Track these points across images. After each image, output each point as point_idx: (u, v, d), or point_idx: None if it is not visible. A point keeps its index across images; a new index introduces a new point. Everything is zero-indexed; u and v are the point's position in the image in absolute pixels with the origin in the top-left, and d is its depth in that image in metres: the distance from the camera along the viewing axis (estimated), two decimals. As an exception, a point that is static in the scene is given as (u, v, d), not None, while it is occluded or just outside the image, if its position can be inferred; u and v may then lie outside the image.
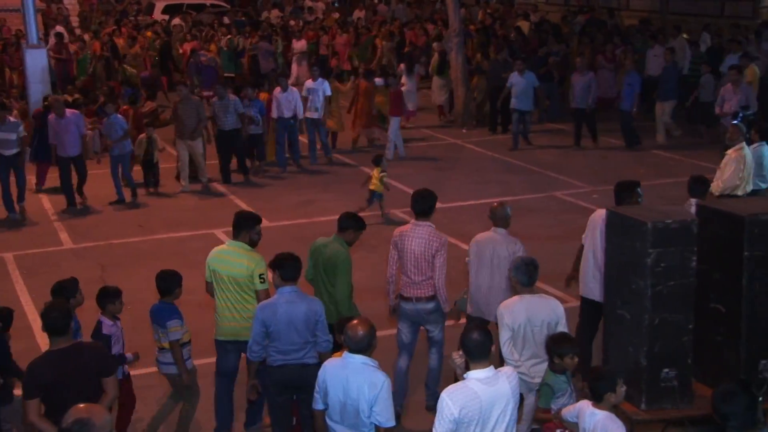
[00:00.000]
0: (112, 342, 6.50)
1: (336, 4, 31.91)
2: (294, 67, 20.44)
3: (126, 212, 13.24)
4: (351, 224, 7.10)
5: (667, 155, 15.32)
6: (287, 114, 14.68)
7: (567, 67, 18.37)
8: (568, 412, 5.29)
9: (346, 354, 5.27)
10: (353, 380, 5.15)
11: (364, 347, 5.19)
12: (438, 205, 12.75)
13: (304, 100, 15.00)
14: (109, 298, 6.60)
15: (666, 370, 5.61)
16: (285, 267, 6.23)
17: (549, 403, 5.55)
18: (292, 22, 26.30)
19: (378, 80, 16.66)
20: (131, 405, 6.92)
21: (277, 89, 14.84)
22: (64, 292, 6.46)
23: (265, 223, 12.34)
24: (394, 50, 21.43)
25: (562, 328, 5.98)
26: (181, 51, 22.03)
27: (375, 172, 12.71)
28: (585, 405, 5.16)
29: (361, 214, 7.66)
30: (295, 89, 15.08)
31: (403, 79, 17.22)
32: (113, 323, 6.60)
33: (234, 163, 14.58)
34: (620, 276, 5.81)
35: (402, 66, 18.22)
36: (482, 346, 4.88)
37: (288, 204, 13.36)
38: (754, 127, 10.72)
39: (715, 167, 10.25)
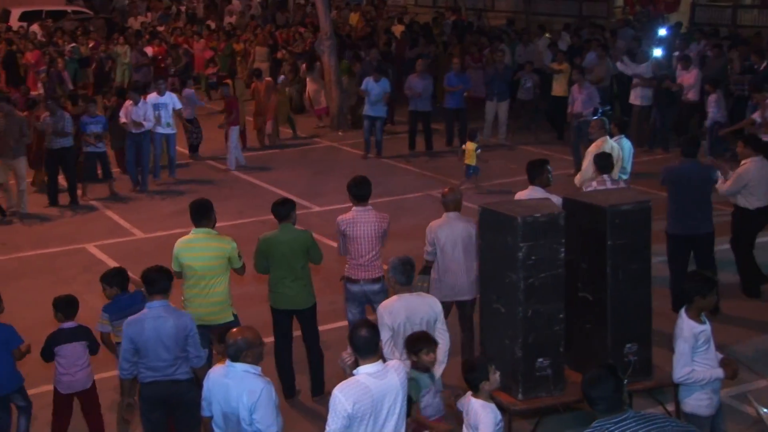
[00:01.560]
0: None
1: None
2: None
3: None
4: (289, 209, 7.35)
5: (535, 150, 15.79)
6: (136, 129, 13.86)
7: (438, 68, 18.70)
8: (459, 404, 5.43)
9: (228, 362, 5.22)
10: (234, 388, 5.11)
11: (243, 354, 5.14)
12: (316, 208, 12.97)
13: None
14: None
15: (540, 359, 5.80)
16: (152, 281, 6.12)
17: (418, 396, 5.64)
18: (161, 28, 25.73)
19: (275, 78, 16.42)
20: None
21: (128, 102, 13.98)
22: None
23: (139, 234, 12.24)
24: (268, 54, 21.23)
25: (441, 324, 6.08)
26: (23, 61, 21.13)
27: (470, 146, 12.90)
28: (467, 397, 5.29)
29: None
30: (147, 102, 14.17)
31: (308, 80, 17.25)
32: None
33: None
34: (494, 271, 5.96)
35: (304, 66, 18.32)
36: (370, 342, 4.95)
37: (163, 214, 13.05)
38: (613, 121, 11.19)
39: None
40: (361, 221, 7.44)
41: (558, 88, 16.43)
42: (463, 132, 15.79)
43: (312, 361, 7.54)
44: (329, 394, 5.04)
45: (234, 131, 15.14)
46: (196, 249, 6.94)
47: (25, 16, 27.66)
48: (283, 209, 7.35)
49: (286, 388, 7.46)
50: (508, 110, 16.59)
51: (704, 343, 5.55)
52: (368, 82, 15.74)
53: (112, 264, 10.96)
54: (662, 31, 19.36)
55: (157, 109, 14.18)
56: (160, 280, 6.12)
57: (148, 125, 13.93)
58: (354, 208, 7.52)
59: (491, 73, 16.56)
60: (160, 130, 14.27)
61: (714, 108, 14.08)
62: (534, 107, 17.39)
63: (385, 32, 22.70)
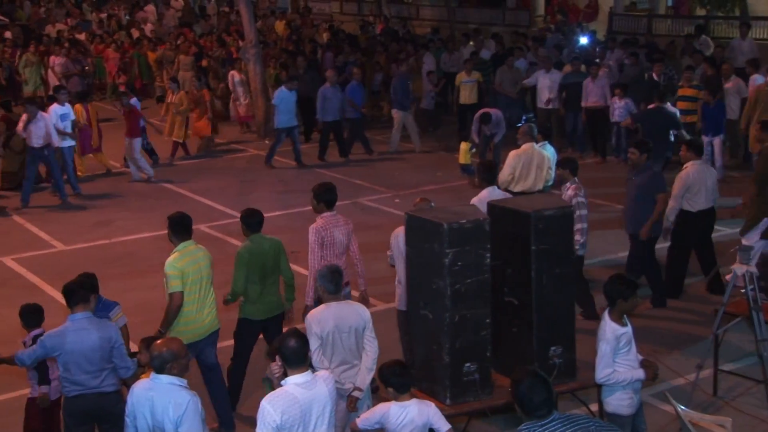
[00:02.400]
0: None
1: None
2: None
3: None
4: (256, 220, 7.32)
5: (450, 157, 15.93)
6: (37, 143, 13.20)
7: (364, 76, 18.73)
8: (366, 420, 5.39)
9: (152, 375, 5.12)
10: (158, 401, 5.01)
11: (169, 366, 5.05)
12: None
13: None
14: None
15: (467, 364, 5.83)
16: (72, 292, 6.01)
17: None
18: (81, 36, 25.17)
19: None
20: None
21: (25, 117, 13.23)
22: None
23: (60, 246, 11.92)
24: (193, 63, 20.94)
25: (369, 332, 6.06)
26: None
27: (463, 146, 13.13)
28: (388, 405, 5.28)
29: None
30: (46, 115, 13.52)
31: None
32: None
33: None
34: (421, 278, 5.99)
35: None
36: (299, 352, 4.91)
37: (84, 225, 12.73)
38: (540, 130, 11.39)
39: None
40: (337, 225, 7.47)
41: (465, 96, 16.72)
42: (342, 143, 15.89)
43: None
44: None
45: (135, 143, 14.61)
46: (197, 260, 6.88)
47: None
48: (256, 219, 7.31)
49: (235, 402, 7.36)
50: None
51: (626, 345, 5.68)
52: (281, 92, 15.49)
53: (32, 278, 10.67)
54: (583, 40, 19.83)
55: (60, 120, 13.70)
56: (80, 290, 6.00)
57: (54, 138, 13.38)
58: (324, 214, 7.47)
59: (395, 84, 16.63)
60: (65, 143, 13.83)
61: (620, 112, 14.53)
62: (435, 115, 17.64)
63: (310, 41, 22.68)
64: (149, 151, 16.09)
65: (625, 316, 5.74)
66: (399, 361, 5.53)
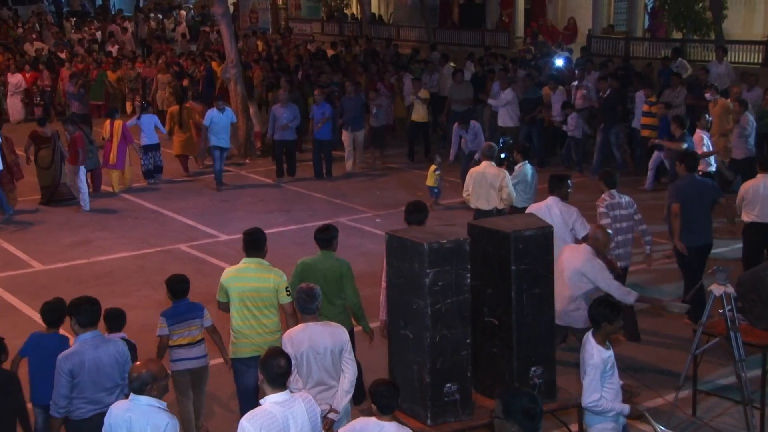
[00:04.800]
0: None
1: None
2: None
3: None
4: (332, 235, 7.29)
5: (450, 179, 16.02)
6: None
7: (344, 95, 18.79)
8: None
9: (132, 396, 5.08)
10: (136, 422, 4.98)
11: (148, 388, 5.01)
12: (223, 237, 12.80)
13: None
14: None
15: (448, 384, 5.82)
16: (82, 313, 6.00)
17: None
18: (62, 54, 25.11)
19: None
20: None
21: None
22: None
23: (38, 266, 11.84)
24: (172, 82, 20.93)
25: (347, 354, 6.03)
26: None
27: (431, 168, 13.63)
28: (367, 420, 5.26)
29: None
30: None
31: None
32: None
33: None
34: (401, 297, 5.98)
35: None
36: (285, 374, 4.91)
37: (62, 245, 12.63)
38: (516, 148, 11.46)
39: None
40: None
41: (416, 114, 17.13)
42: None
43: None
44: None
45: (81, 171, 14.12)
46: (245, 279, 6.83)
47: None
48: (325, 236, 7.27)
49: None
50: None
51: (610, 368, 5.68)
52: (212, 113, 15.51)
53: (10, 297, 10.56)
54: (559, 62, 20.03)
55: None
56: (89, 311, 6.01)
57: None
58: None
59: (345, 104, 16.70)
60: None
61: (573, 126, 15.37)
62: (384, 133, 17.83)
63: (297, 58, 22.80)
64: (158, 168, 16.10)
65: (607, 340, 5.74)
66: (390, 382, 5.47)
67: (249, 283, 6.82)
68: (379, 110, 17.19)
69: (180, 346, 7.02)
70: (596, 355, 5.60)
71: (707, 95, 14.56)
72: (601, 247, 7.58)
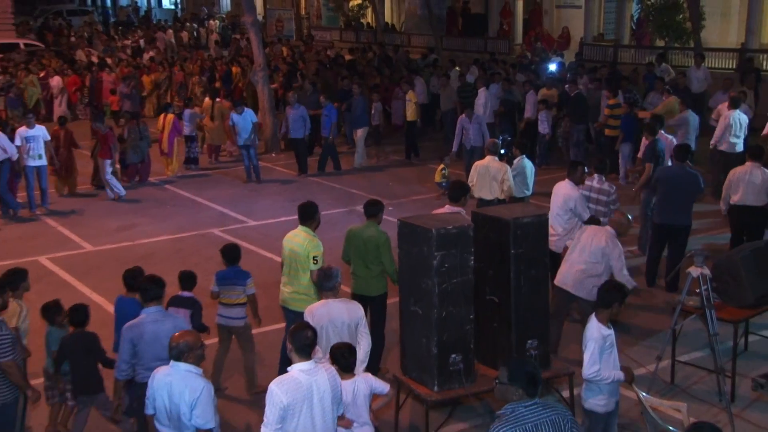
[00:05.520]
0: None
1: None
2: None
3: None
4: (378, 209, 7.49)
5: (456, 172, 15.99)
6: None
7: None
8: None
9: (172, 362, 5.11)
10: (176, 386, 5.02)
11: (185, 356, 5.05)
12: (251, 222, 12.81)
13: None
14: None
15: (453, 355, 5.83)
16: (146, 290, 6.07)
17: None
18: (109, 60, 25.16)
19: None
20: None
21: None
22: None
23: (88, 247, 11.88)
24: (206, 84, 20.96)
25: (363, 327, 6.04)
26: None
27: (438, 168, 13.77)
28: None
29: None
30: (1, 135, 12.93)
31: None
32: None
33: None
34: (412, 277, 5.98)
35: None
36: (311, 344, 4.92)
37: (109, 229, 12.68)
38: (514, 144, 11.40)
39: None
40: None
41: (408, 114, 17.01)
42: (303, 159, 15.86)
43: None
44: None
45: (107, 164, 14.06)
46: (292, 241, 7.19)
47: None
48: (372, 209, 7.50)
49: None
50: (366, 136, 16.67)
51: (610, 346, 5.64)
52: (233, 116, 15.37)
53: (64, 275, 10.63)
54: (552, 66, 19.91)
55: (28, 142, 13.26)
56: (153, 288, 6.08)
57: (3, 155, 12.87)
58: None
59: (351, 104, 16.58)
60: (30, 162, 13.35)
61: (543, 124, 15.42)
62: (380, 132, 17.77)
63: (319, 63, 22.75)
64: (193, 160, 16.27)
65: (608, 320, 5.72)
66: (348, 345, 5.47)
67: (292, 245, 7.16)
68: (377, 111, 17.12)
69: (223, 304, 7.32)
70: (597, 331, 5.58)
71: (663, 96, 14.51)
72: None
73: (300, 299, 7.04)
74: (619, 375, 5.70)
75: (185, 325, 6.13)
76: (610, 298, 5.66)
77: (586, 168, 9.15)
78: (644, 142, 11.34)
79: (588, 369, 5.59)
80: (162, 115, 15.88)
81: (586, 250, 7.52)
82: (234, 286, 7.27)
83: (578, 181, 8.85)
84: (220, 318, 7.40)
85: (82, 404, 6.65)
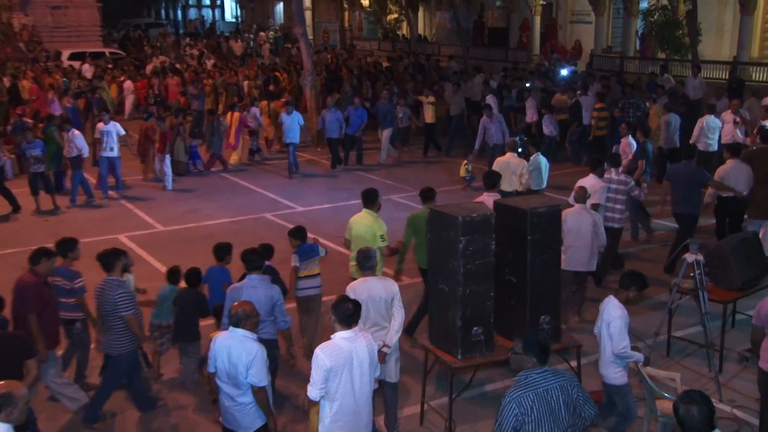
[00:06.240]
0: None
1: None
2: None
3: (39, 222, 12.35)
4: (432, 194, 7.70)
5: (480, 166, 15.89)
6: (68, 154, 13.02)
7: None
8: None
9: (231, 328, 5.17)
10: (234, 349, 5.08)
11: (243, 323, 5.11)
12: (299, 208, 12.88)
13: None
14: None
15: (475, 328, 5.80)
16: (248, 260, 6.24)
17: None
18: (178, 65, 25.40)
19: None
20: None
21: (74, 132, 13.03)
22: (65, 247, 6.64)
23: (160, 227, 12.04)
24: (261, 87, 21.07)
25: (397, 302, 6.01)
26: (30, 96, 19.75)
27: (462, 163, 14.03)
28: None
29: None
30: (77, 133, 13.06)
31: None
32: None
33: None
34: (440, 259, 5.97)
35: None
36: (353, 315, 4.90)
37: (176, 213, 12.84)
38: (531, 143, 11.29)
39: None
40: None
41: (428, 116, 16.68)
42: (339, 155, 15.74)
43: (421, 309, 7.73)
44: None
45: (166, 159, 14.10)
46: (360, 223, 7.30)
47: (73, 56, 27.51)
48: (428, 194, 7.72)
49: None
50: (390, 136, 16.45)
51: (625, 326, 5.60)
52: (282, 116, 15.25)
53: (139, 251, 10.81)
54: (563, 72, 19.64)
55: (103, 136, 13.48)
56: (254, 260, 6.23)
57: (83, 152, 13.06)
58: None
59: (379, 108, 16.43)
60: (104, 153, 13.55)
61: (548, 126, 15.10)
62: (408, 132, 17.53)
63: (356, 70, 22.68)
64: (255, 151, 16.49)
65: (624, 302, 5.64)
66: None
67: (360, 227, 7.30)
68: (404, 114, 17.01)
69: (304, 277, 7.37)
70: (618, 310, 5.53)
71: (647, 103, 14.35)
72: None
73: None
74: (639, 357, 5.66)
75: (277, 294, 6.23)
76: (629, 282, 5.60)
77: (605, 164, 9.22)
78: (623, 141, 11.42)
79: (619, 344, 5.52)
80: (229, 113, 15.96)
81: (582, 232, 7.84)
82: (313, 258, 7.39)
83: (601, 175, 8.96)
84: (301, 291, 7.42)
85: (183, 349, 6.97)
